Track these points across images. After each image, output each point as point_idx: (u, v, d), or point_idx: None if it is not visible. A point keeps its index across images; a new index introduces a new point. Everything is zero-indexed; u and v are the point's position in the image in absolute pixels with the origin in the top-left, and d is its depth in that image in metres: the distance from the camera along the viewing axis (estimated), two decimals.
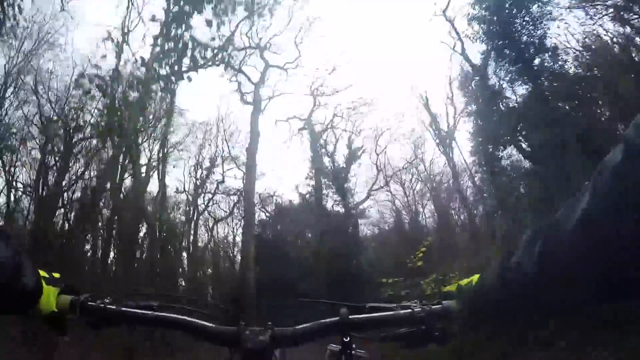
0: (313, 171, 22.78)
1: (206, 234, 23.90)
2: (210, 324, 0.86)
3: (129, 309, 0.86)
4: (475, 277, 0.82)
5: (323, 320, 0.83)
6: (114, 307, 0.85)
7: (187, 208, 22.49)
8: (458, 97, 20.37)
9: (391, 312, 0.83)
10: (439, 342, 0.82)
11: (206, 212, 23.37)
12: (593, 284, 0.54)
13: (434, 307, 0.83)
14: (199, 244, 23.33)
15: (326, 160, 23.23)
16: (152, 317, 0.85)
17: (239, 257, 20.87)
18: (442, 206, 23.15)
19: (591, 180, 0.52)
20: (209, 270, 24.24)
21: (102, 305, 0.85)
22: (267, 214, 23.40)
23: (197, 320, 0.86)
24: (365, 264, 19.55)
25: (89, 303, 0.84)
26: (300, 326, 0.83)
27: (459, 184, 21.01)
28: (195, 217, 22.56)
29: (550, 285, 0.60)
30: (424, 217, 25.23)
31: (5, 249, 0.67)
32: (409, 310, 0.82)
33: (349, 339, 0.82)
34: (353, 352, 0.82)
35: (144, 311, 0.86)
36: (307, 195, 22.89)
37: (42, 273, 0.81)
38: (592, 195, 0.51)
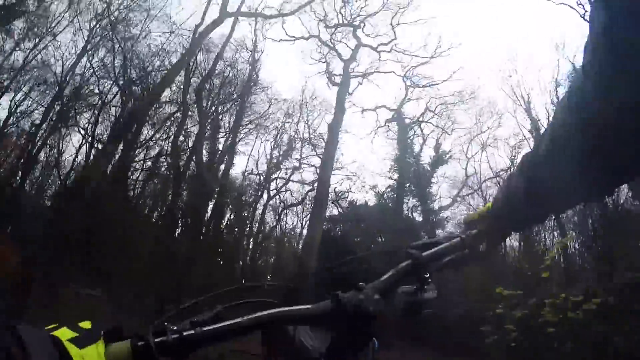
0: (395, 167, 20.72)
1: (274, 221, 22.92)
2: (304, 306, 0.76)
3: (206, 328, 0.69)
4: (489, 205, 0.97)
5: (399, 266, 0.83)
6: (191, 331, 0.67)
7: (258, 188, 21.67)
8: None
9: (449, 243, 0.92)
10: (479, 260, 1.01)
11: (277, 197, 22.37)
12: (569, 187, 0.70)
13: (473, 232, 0.96)
14: (265, 229, 22.43)
15: (411, 159, 20.99)
16: (242, 326, 0.71)
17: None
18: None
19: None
20: (271, 259, 23.29)
21: (176, 335, 0.66)
22: (340, 210, 21.77)
23: (288, 308, 0.76)
24: None
25: (157, 340, 0.64)
26: (382, 278, 0.81)
27: None
28: (265, 200, 21.68)
29: (538, 196, 0.77)
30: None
31: None
32: (458, 239, 0.93)
33: (427, 274, 0.83)
34: (427, 286, 0.82)
35: (223, 323, 0.71)
36: (385, 195, 20.91)
37: (66, 335, 0.55)
38: (554, 118, 0.71)
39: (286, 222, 23.80)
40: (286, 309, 0.75)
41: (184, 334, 0.66)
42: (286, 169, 22.22)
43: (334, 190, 22.25)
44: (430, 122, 21.48)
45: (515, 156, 20.33)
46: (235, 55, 18.61)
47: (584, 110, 0.59)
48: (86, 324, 0.59)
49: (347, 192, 22.18)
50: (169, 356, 0.64)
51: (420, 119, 21.49)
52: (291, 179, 22.13)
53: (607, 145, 0.58)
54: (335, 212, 21.49)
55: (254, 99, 19.81)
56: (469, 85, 20.78)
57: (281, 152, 22.11)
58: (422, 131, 21.74)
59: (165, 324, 0.67)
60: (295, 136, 22.20)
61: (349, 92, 18.90)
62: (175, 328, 0.67)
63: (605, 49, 0.53)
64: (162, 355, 0.63)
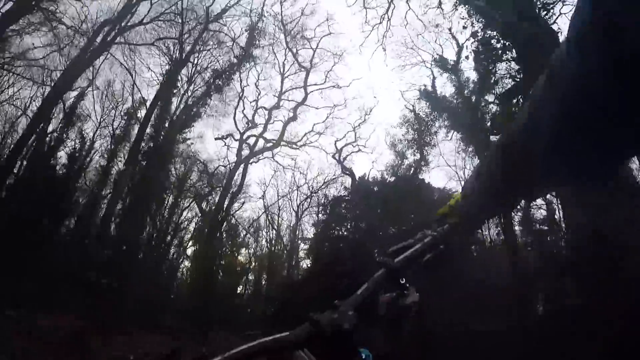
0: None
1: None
2: (284, 334, 0.74)
3: None
4: (457, 196, 0.98)
5: (373, 277, 0.82)
6: None
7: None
8: None
9: (420, 244, 0.88)
10: (457, 255, 0.95)
11: None
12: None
13: (445, 227, 0.93)
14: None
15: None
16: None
17: None
18: None
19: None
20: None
21: None
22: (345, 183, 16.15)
23: (267, 338, 0.75)
24: None
25: None
26: (357, 292, 0.79)
27: None
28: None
29: (516, 176, 0.73)
30: None
31: None
32: (431, 237, 0.90)
33: (404, 280, 0.82)
34: (406, 291, 0.81)
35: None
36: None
37: None
38: (532, 93, 0.64)
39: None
40: (266, 339, 0.74)
41: None
42: None
43: (335, 145, 16.73)
44: None
45: None
46: None
47: (568, 84, 0.54)
48: None
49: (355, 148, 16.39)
50: None
51: None
52: None
53: (596, 121, 0.53)
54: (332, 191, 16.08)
55: None
56: None
57: None
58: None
59: None
60: None
61: None
62: None
63: (596, 27, 0.47)
64: None
